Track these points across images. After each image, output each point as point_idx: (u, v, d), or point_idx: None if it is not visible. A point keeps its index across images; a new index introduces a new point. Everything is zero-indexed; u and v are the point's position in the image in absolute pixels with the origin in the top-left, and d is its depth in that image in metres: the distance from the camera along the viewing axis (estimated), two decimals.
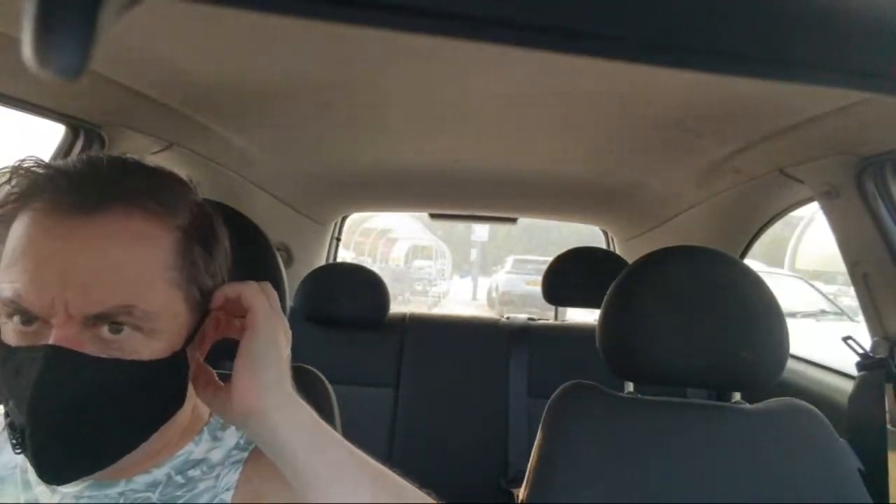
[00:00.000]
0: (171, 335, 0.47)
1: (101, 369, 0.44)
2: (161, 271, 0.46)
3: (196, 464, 0.53)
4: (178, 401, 0.50)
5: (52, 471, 0.44)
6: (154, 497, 0.51)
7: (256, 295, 0.48)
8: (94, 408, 0.44)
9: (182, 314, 0.48)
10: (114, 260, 0.44)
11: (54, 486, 0.50)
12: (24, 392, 0.42)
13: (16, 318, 0.44)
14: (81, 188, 0.44)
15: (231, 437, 0.57)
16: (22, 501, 0.50)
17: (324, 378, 0.84)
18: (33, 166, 0.46)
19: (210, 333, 0.52)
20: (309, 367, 0.84)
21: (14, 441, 0.43)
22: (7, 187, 0.46)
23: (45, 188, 0.45)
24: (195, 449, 0.54)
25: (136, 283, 0.45)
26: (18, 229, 0.45)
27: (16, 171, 0.46)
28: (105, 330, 0.44)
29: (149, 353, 0.46)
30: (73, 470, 0.45)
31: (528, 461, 0.84)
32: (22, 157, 0.47)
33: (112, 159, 0.48)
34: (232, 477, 0.53)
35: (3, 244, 0.45)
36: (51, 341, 0.42)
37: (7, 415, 0.45)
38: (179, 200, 0.49)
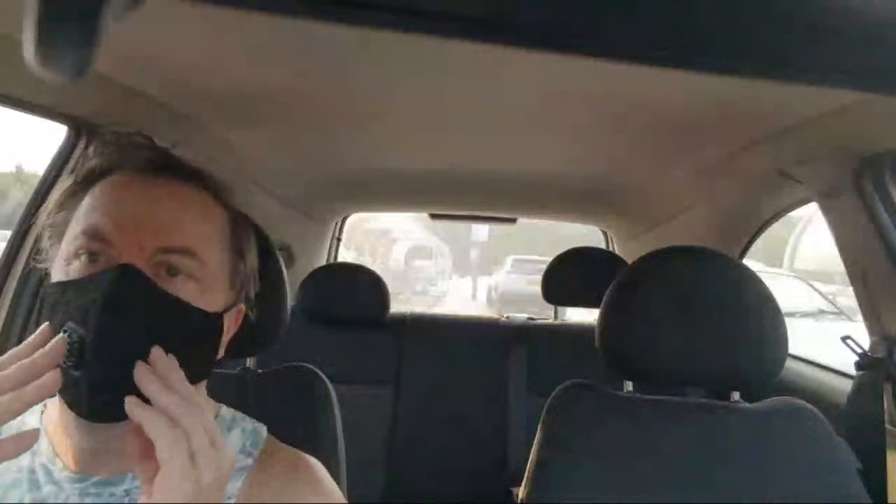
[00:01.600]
0: (217, 296, 0.52)
1: (160, 297, 0.47)
2: (219, 234, 0.53)
3: None
4: (208, 366, 0.54)
5: (99, 397, 0.44)
6: None
7: (171, 444, 0.41)
8: (148, 339, 0.45)
9: (227, 284, 0.54)
10: (183, 212, 0.51)
11: (61, 485, 0.50)
12: (91, 305, 0.44)
13: (83, 257, 0.48)
14: (162, 158, 0.53)
15: (236, 438, 0.57)
16: (29, 502, 0.50)
17: (324, 377, 0.84)
18: (119, 142, 0.54)
19: (232, 328, 0.56)
20: (309, 366, 0.84)
21: (68, 363, 0.44)
22: (93, 160, 0.53)
23: (130, 156, 0.52)
24: None
25: (200, 235, 0.51)
26: (100, 191, 0.51)
27: (105, 146, 0.54)
28: (164, 272, 0.48)
29: (199, 304, 0.49)
30: (114, 404, 0.44)
31: (527, 460, 0.84)
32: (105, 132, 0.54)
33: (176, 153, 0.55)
34: (235, 484, 0.53)
35: (74, 209, 0.51)
36: (121, 262, 0.46)
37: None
38: (229, 193, 0.56)
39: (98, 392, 0.44)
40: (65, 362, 0.44)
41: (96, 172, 0.52)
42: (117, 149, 0.53)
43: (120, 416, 0.44)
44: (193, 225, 0.51)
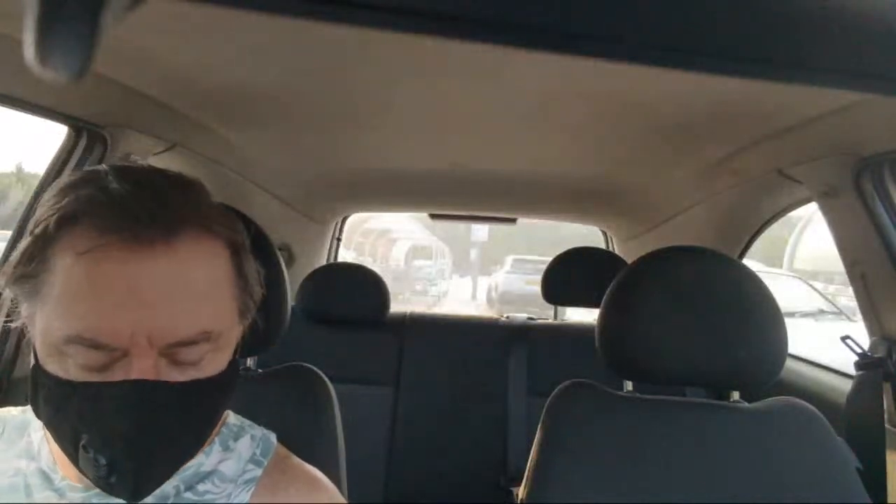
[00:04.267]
0: (230, 347, 0.49)
1: (184, 394, 0.45)
2: (228, 288, 0.47)
3: (206, 476, 0.52)
4: (228, 403, 0.52)
5: (142, 490, 0.45)
6: None
7: None
8: (177, 428, 0.45)
9: (237, 326, 0.50)
10: (193, 285, 0.44)
11: (63, 493, 0.49)
12: (115, 429, 0.42)
13: (80, 355, 0.42)
14: (153, 215, 0.42)
15: (245, 447, 0.56)
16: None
17: (324, 377, 0.84)
18: (79, 190, 0.43)
19: (233, 345, 0.53)
20: (309, 366, 0.84)
21: (100, 474, 0.43)
22: (47, 206, 0.43)
23: (102, 212, 0.41)
24: (205, 461, 0.53)
25: (213, 308, 0.45)
26: (76, 259, 0.41)
27: (61, 195, 0.43)
28: (182, 353, 0.44)
29: (215, 368, 0.47)
30: (156, 484, 0.46)
31: (527, 459, 0.84)
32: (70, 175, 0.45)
33: (152, 177, 0.46)
34: (243, 497, 0.53)
35: (45, 273, 0.42)
36: (133, 375, 0.42)
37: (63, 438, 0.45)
38: (221, 214, 0.48)
39: (138, 492, 0.45)
40: (94, 473, 0.44)
41: (59, 227, 0.42)
42: (83, 198, 0.42)
43: (155, 489, 0.46)
44: (203, 300, 0.45)
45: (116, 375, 0.43)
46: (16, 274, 0.44)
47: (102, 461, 0.43)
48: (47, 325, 0.42)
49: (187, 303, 0.44)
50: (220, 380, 0.47)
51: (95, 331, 0.41)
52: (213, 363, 0.47)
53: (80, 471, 0.45)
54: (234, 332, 0.49)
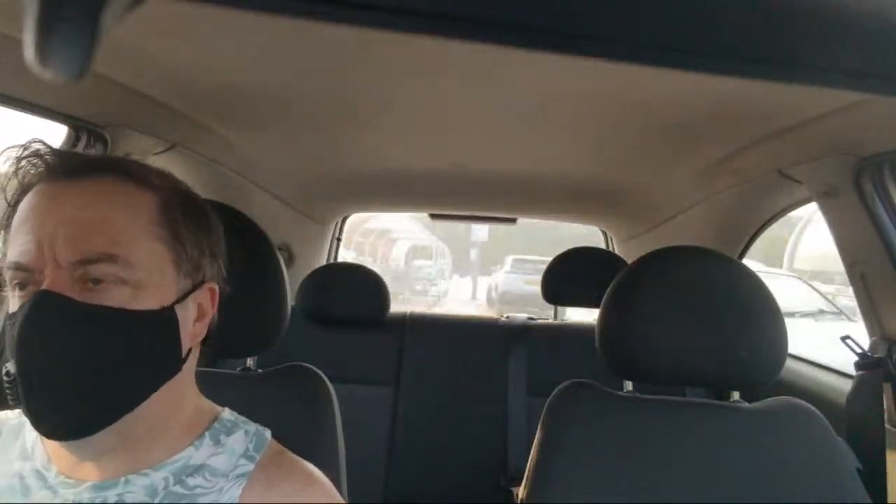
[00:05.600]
0: (159, 290, 0.49)
1: (85, 313, 0.45)
2: (144, 224, 0.49)
3: (196, 470, 0.52)
4: (171, 362, 0.51)
5: (48, 423, 0.46)
6: None
7: None
8: (83, 355, 0.45)
9: (169, 273, 0.50)
10: (98, 213, 0.48)
11: (56, 490, 0.50)
12: (17, 340, 0.44)
13: (17, 290, 0.47)
14: (68, 160, 0.49)
15: (238, 442, 0.56)
16: None
17: (324, 377, 0.84)
18: (30, 157, 0.50)
19: (208, 310, 0.54)
20: (309, 366, 0.84)
21: (9, 395, 0.45)
22: (15, 181, 0.50)
23: (40, 171, 0.49)
24: (195, 453, 0.53)
25: (120, 234, 0.48)
26: (18, 213, 0.49)
27: (18, 163, 0.49)
28: (88, 283, 0.46)
29: (134, 305, 0.48)
30: (69, 424, 0.46)
31: (527, 460, 0.84)
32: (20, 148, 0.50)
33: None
34: (235, 492, 0.53)
35: (8, 231, 0.49)
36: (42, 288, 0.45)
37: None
38: (159, 177, 0.52)
39: (45, 421, 0.45)
40: (9, 397, 0.45)
41: (17, 193, 0.50)
42: (21, 165, 0.50)
43: (82, 432, 0.45)
44: (110, 225, 0.48)
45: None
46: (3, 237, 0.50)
47: (9, 378, 0.44)
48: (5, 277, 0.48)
49: (90, 226, 0.47)
50: (136, 317, 0.47)
51: (19, 255, 0.47)
52: (131, 301, 0.47)
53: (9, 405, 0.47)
54: (161, 278, 0.49)
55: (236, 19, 0.65)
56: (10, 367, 0.44)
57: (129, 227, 0.48)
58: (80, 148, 0.98)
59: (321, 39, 0.71)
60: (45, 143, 0.50)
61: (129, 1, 0.17)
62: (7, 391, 0.45)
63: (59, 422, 0.46)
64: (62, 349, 0.45)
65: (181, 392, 0.54)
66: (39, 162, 0.49)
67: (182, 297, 0.51)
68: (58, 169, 0.49)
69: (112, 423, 0.47)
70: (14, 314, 0.46)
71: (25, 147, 0.50)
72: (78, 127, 0.97)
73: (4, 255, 0.49)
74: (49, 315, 0.45)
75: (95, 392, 0.46)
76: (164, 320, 0.49)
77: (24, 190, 0.50)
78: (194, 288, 0.52)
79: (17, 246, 0.47)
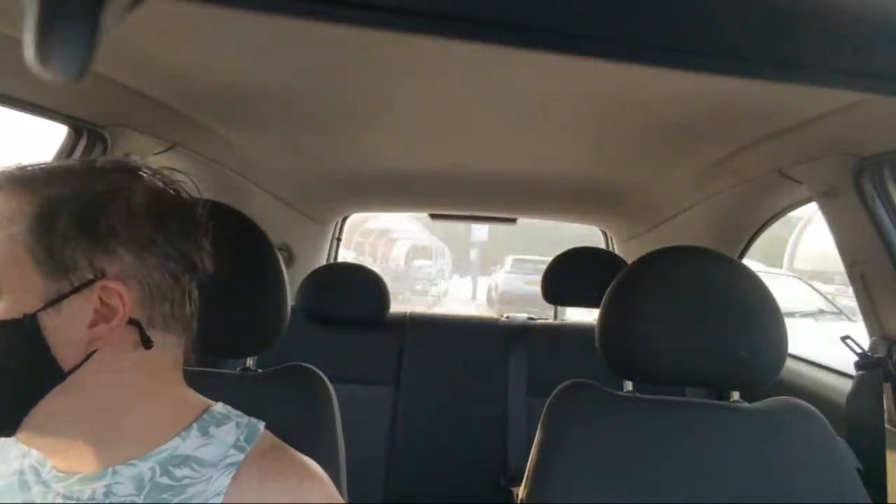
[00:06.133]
0: (17, 296, 0.47)
1: None
2: (10, 231, 0.48)
3: (182, 461, 0.52)
4: (43, 370, 0.48)
5: None
6: (140, 499, 0.50)
7: None
8: None
9: (32, 277, 0.47)
10: None
11: (49, 484, 0.50)
12: None
13: None
14: None
15: (228, 433, 0.56)
16: (19, 502, 0.51)
17: (324, 377, 0.84)
18: None
19: (117, 308, 0.49)
20: (309, 366, 0.84)
21: None
22: None
23: None
24: (181, 444, 0.53)
25: None
26: None
27: None
28: None
29: None
30: None
31: (527, 459, 0.84)
32: None
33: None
34: (224, 480, 0.52)
35: None
36: None
37: None
38: (61, 179, 0.50)
39: None
40: None
41: None
42: None
43: None
44: None
45: None
46: None
47: None
48: None
49: None
50: None
51: None
52: None
53: None
54: (22, 283, 0.47)
55: (236, 19, 0.65)
56: None
57: None
58: (80, 148, 0.98)
59: (321, 39, 0.71)
60: None
61: (129, 1, 0.17)
62: None
63: None
64: None
65: (150, 385, 0.53)
66: None
67: (55, 300, 0.48)
68: None
69: (5, 428, 0.48)
70: None
71: None
72: (78, 127, 0.97)
73: None
74: None
75: None
76: (24, 328, 0.47)
77: None
78: (74, 291, 0.49)
79: None
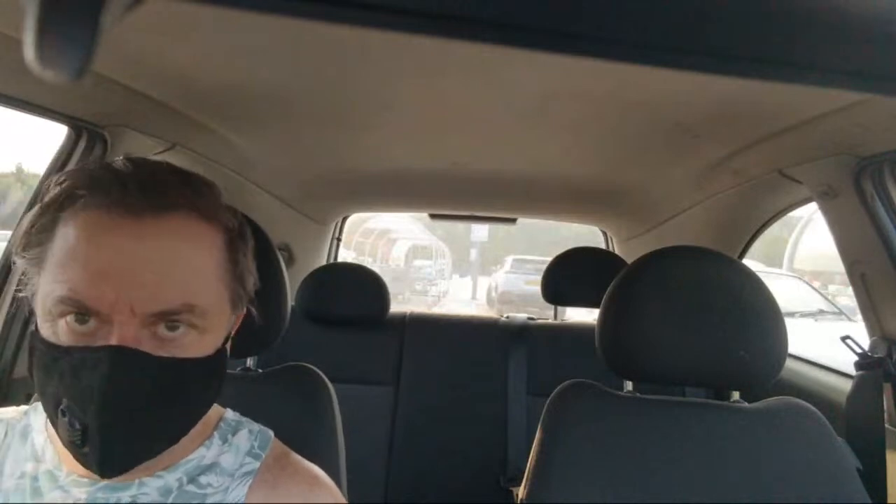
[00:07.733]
0: (217, 333, 0.49)
1: (162, 368, 0.45)
2: (216, 270, 0.48)
3: (207, 468, 0.53)
4: (216, 396, 0.52)
5: (110, 464, 0.45)
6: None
7: None
8: (152, 403, 0.45)
9: (226, 312, 0.50)
10: (179, 259, 0.46)
11: (68, 489, 0.50)
12: (90, 393, 0.43)
13: (69, 317, 0.44)
14: (145, 190, 0.45)
15: (244, 440, 0.56)
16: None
17: (324, 377, 0.84)
18: (87, 167, 0.48)
19: (231, 332, 0.54)
20: (309, 365, 0.84)
21: (73, 439, 0.44)
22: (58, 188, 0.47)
23: (102, 187, 0.45)
24: (206, 453, 0.54)
25: (198, 282, 0.47)
26: (73, 227, 0.45)
27: (70, 173, 0.47)
28: (163, 328, 0.45)
29: (199, 351, 0.47)
30: (128, 462, 0.46)
31: (527, 459, 0.84)
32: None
33: (158, 164, 0.49)
34: (241, 490, 0.53)
35: (49, 241, 0.46)
36: (113, 341, 0.43)
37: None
38: (221, 205, 0.51)
39: (106, 464, 0.45)
40: (69, 438, 0.44)
41: (64, 198, 0.46)
42: (87, 174, 0.46)
43: (128, 468, 0.46)
44: (188, 274, 0.46)
45: (99, 342, 0.44)
46: (23, 242, 0.47)
47: (77, 426, 0.43)
48: (43, 290, 0.45)
49: (171, 275, 0.45)
50: (202, 364, 0.47)
51: (82, 294, 0.43)
52: (197, 346, 0.47)
53: (58, 435, 0.46)
54: (221, 319, 0.49)
55: (236, 19, 0.65)
56: (70, 413, 0.44)
57: (204, 271, 0.47)
58: (80, 148, 0.98)
59: (321, 39, 0.71)
60: (100, 166, 0.47)
61: (129, 1, 0.17)
62: (66, 430, 0.44)
63: (122, 461, 0.46)
64: (138, 400, 0.45)
65: None
66: (102, 183, 0.45)
67: (229, 335, 0.52)
68: (134, 204, 0.45)
69: (162, 452, 0.49)
70: (73, 354, 0.43)
71: (104, 167, 0.46)
72: (78, 127, 0.97)
73: (31, 257, 0.46)
74: (127, 372, 0.43)
75: (157, 434, 0.47)
76: (220, 362, 0.50)
77: (72, 198, 0.46)
78: (237, 320, 0.53)
79: (75, 280, 0.43)
